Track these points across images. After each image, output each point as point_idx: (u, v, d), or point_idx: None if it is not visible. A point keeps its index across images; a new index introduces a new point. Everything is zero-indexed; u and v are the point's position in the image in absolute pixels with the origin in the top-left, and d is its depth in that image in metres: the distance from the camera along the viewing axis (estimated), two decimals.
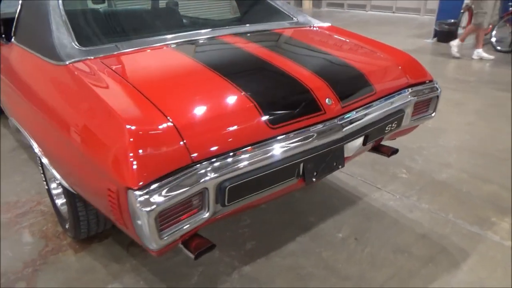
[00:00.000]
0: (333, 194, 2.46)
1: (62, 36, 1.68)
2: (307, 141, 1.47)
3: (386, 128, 1.80)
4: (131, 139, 1.19)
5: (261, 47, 1.93)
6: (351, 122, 1.62)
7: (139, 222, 1.15)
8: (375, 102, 1.74)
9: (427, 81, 1.97)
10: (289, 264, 1.90)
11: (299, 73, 1.65)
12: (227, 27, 2.19)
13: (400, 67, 1.92)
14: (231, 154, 1.30)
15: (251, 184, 1.37)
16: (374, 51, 2.05)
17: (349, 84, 1.75)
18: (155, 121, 1.27)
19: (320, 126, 1.52)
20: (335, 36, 2.28)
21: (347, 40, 2.22)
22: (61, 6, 1.79)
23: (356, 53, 2.06)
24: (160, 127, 1.25)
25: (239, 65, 1.81)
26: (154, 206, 1.13)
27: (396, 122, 1.83)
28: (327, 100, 1.57)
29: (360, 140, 1.75)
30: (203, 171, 1.24)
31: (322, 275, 1.83)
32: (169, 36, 1.92)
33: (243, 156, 1.32)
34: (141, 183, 1.14)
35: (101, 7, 2.78)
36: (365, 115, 1.68)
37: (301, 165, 1.52)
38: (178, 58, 1.81)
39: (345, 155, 1.72)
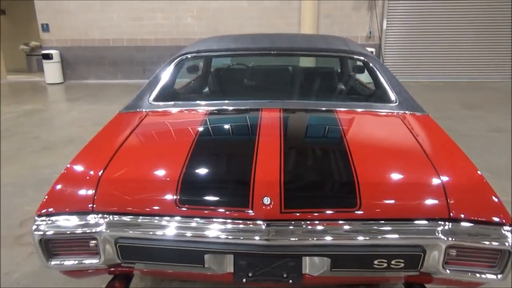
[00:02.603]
0: None
1: None
2: (214, 231, 1.39)
3: (377, 263, 1.39)
4: (60, 174, 1.58)
5: (277, 127, 1.89)
6: (294, 234, 1.37)
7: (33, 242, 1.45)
8: (356, 222, 1.39)
9: (496, 223, 1.37)
10: None
11: (266, 164, 1.53)
12: (294, 100, 2.37)
13: (444, 188, 1.43)
14: (128, 217, 1.44)
15: (144, 252, 1.45)
16: (424, 161, 1.58)
17: (317, 191, 1.50)
18: (90, 168, 1.60)
19: (239, 223, 1.40)
20: (398, 132, 1.93)
21: (404, 138, 1.84)
22: None
23: (389, 160, 1.67)
24: (89, 174, 1.55)
25: (226, 140, 1.97)
26: (41, 233, 1.42)
27: (403, 260, 1.38)
28: (265, 199, 1.39)
29: (322, 261, 1.43)
30: (95, 221, 1.43)
31: None
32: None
33: (138, 222, 1.43)
34: (43, 211, 1.45)
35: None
36: (325, 232, 1.37)
37: (227, 258, 1.46)
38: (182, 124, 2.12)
39: (305, 272, 1.45)
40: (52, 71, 9.07)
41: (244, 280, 1.46)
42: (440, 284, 1.57)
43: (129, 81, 9.05)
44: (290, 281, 1.45)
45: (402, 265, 1.39)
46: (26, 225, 2.78)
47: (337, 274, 1.46)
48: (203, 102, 2.36)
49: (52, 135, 5.11)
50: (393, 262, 1.38)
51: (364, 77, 3.10)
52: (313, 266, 1.46)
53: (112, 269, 1.54)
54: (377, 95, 2.39)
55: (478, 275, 1.41)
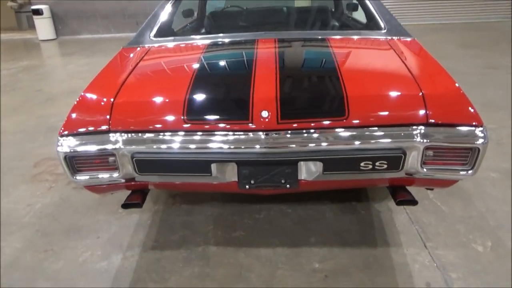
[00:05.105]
0: (366, 229, 2.11)
1: None
2: (219, 143, 1.55)
3: (363, 165, 1.55)
4: (76, 101, 1.74)
5: (273, 53, 2.03)
6: (290, 141, 1.53)
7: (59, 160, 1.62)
8: (345, 129, 1.54)
9: (468, 125, 1.52)
10: (231, 262, 1.91)
11: (264, 82, 1.68)
12: (288, 31, 2.48)
13: (423, 98, 1.57)
14: (142, 133, 1.59)
15: (158, 164, 1.61)
16: (407, 76, 1.72)
17: (310, 104, 1.65)
18: (103, 95, 1.74)
19: (240, 134, 1.54)
20: (385, 52, 2.07)
21: (389, 58, 1.98)
22: None
23: (375, 74, 1.84)
24: (103, 99, 1.70)
25: (225, 65, 2.09)
26: (64, 150, 1.58)
27: (386, 162, 1.55)
28: (263, 112, 1.54)
29: (315, 166, 1.60)
30: (112, 139, 1.57)
31: (255, 284, 1.79)
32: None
33: (151, 138, 1.58)
34: (65, 132, 1.60)
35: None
36: (318, 139, 1.53)
37: (231, 167, 1.61)
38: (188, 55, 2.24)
39: (301, 177, 1.63)
40: (43, 27, 8.91)
41: (247, 187, 1.64)
42: (420, 186, 1.76)
43: (123, 35, 8.91)
44: (288, 186, 1.64)
45: (386, 166, 1.57)
46: (41, 165, 2.94)
47: (329, 178, 1.64)
48: (202, 36, 2.47)
49: (53, 87, 5.17)
50: (377, 163, 1.56)
51: (358, 15, 3.17)
52: (307, 171, 1.64)
53: (129, 183, 1.71)
54: (368, 25, 2.52)
55: (452, 172, 1.59)
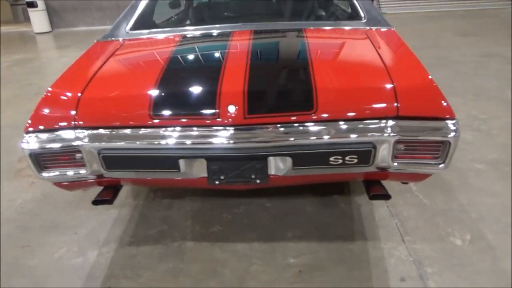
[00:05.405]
0: (345, 223, 2.10)
1: None
2: (185, 139, 1.52)
3: (333, 159, 1.53)
4: (43, 96, 1.70)
5: (246, 46, 1.99)
6: (257, 136, 1.50)
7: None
8: (313, 123, 1.50)
9: (440, 119, 1.48)
10: (207, 258, 1.90)
11: (232, 75, 1.65)
12: (266, 22, 2.41)
13: (394, 90, 1.53)
14: (108, 129, 1.56)
15: (125, 161, 1.59)
16: (380, 68, 1.68)
17: (278, 98, 1.62)
18: (70, 90, 1.70)
19: (207, 129, 1.52)
20: (361, 44, 2.02)
21: (364, 49, 1.94)
22: None
23: (348, 66, 1.80)
24: (69, 95, 1.67)
25: (195, 59, 2.04)
26: (29, 147, 1.55)
27: (356, 156, 1.52)
28: (230, 107, 1.51)
29: (284, 161, 1.57)
30: (78, 135, 1.55)
31: (228, 280, 1.78)
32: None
33: (117, 134, 1.56)
34: (30, 129, 1.57)
35: None
36: (285, 134, 1.50)
37: (200, 163, 1.59)
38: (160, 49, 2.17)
39: (271, 173, 1.61)
40: (38, 20, 8.85)
41: (217, 182, 1.61)
42: (394, 180, 1.73)
43: None
44: (258, 181, 1.61)
45: (356, 160, 1.54)
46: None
47: (298, 173, 1.61)
48: (178, 29, 2.42)
49: (45, 81, 5.14)
50: (347, 158, 1.53)
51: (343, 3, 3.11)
52: (277, 166, 1.61)
53: (100, 179, 1.69)
54: (348, 15, 2.49)
55: (423, 165, 1.56)
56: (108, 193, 1.76)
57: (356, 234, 2.03)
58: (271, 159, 1.59)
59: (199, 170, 1.63)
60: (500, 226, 2.04)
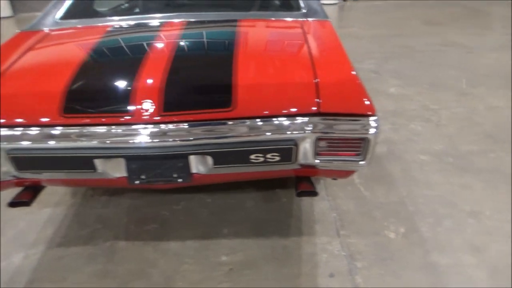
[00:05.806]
0: (283, 218, 2.07)
1: None
2: (99, 138, 1.45)
3: (254, 157, 1.49)
4: None
5: (173, 38, 1.94)
6: (175, 134, 1.44)
7: None
8: (231, 121, 1.45)
9: (360, 115, 1.46)
10: (137, 258, 1.86)
11: (151, 70, 1.58)
12: (202, 12, 2.28)
13: (317, 86, 1.50)
14: (17, 128, 1.46)
15: (37, 161, 1.50)
16: (306, 62, 1.64)
17: (196, 94, 1.56)
18: None
19: (121, 127, 1.45)
20: (293, 36, 1.97)
21: (294, 42, 1.90)
22: None
23: (274, 61, 1.72)
24: None
25: (116, 52, 1.92)
26: None
27: (277, 154, 1.49)
28: (144, 104, 1.45)
29: (205, 159, 1.53)
30: None
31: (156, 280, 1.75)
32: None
33: (26, 134, 1.46)
34: None
35: None
36: (203, 132, 1.45)
37: (118, 163, 1.52)
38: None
39: (193, 171, 1.56)
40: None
41: (137, 182, 1.55)
42: (323, 176, 1.71)
43: None
44: (180, 180, 1.56)
45: (278, 158, 1.50)
46: None
47: (220, 171, 1.57)
48: (109, 19, 2.28)
49: None
50: (269, 156, 1.49)
51: None
52: (199, 165, 1.55)
53: (18, 180, 1.60)
54: (288, 5, 2.40)
55: (345, 162, 1.54)
56: (26, 194, 1.68)
57: (292, 229, 2.02)
58: (192, 158, 1.54)
59: (118, 169, 1.56)
60: (435, 219, 2.05)
